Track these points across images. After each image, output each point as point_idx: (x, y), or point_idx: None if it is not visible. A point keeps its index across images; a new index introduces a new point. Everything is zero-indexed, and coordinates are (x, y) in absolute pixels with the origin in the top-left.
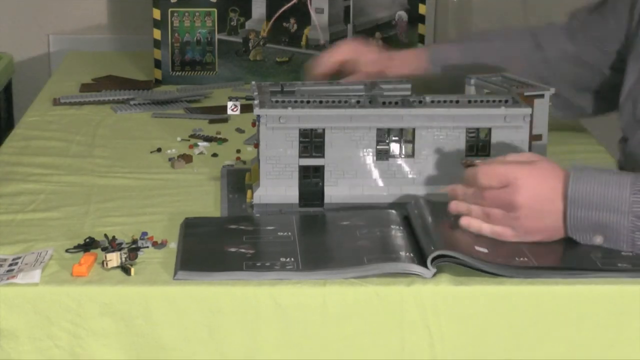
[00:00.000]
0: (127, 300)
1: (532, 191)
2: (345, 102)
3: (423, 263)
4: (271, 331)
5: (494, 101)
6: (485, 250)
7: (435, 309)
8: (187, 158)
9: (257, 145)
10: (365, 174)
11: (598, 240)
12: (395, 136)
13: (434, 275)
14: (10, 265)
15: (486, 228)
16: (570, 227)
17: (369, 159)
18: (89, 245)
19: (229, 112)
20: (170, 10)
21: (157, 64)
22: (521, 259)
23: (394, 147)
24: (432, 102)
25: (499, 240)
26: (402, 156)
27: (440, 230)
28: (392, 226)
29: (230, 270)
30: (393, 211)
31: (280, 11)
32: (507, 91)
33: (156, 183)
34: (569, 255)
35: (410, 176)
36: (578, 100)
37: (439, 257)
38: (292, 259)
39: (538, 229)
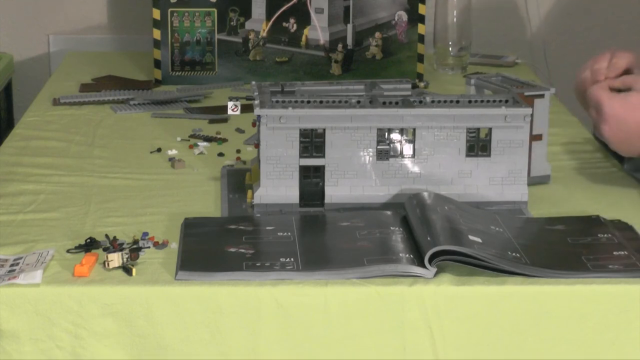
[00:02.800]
0: (129, 300)
1: (617, 126)
2: (346, 102)
3: (423, 264)
4: (273, 331)
5: (494, 101)
6: (479, 240)
7: (437, 309)
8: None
9: (257, 145)
10: (366, 174)
11: None
12: (395, 136)
13: (435, 275)
14: (12, 265)
15: None
16: None
17: (370, 159)
18: (90, 245)
19: (229, 112)
20: (170, 10)
21: (157, 64)
22: (514, 254)
23: (395, 147)
24: (433, 102)
25: (491, 233)
26: (403, 156)
27: (438, 220)
28: (391, 227)
29: (230, 271)
30: (393, 212)
31: (280, 11)
32: (508, 91)
33: (156, 183)
34: (560, 256)
35: (410, 176)
36: None
37: (436, 253)
38: (292, 259)
39: (620, 140)
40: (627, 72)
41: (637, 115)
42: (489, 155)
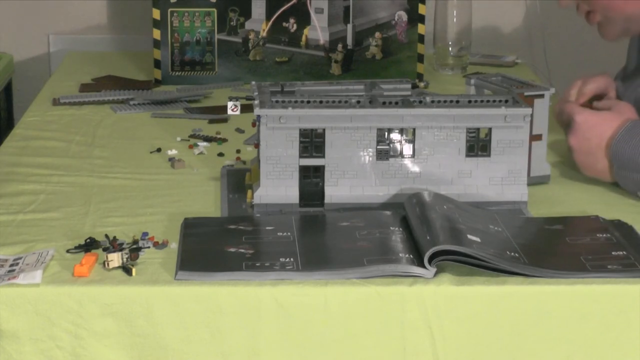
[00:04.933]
0: (129, 300)
1: (582, 135)
2: (346, 102)
3: (422, 264)
4: (273, 331)
5: (494, 101)
6: (478, 240)
7: (437, 309)
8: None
9: (257, 145)
10: (366, 174)
11: None
12: (395, 136)
13: (435, 275)
14: (11, 265)
15: None
16: (616, 176)
17: (369, 159)
18: (89, 245)
19: (229, 112)
20: (170, 10)
21: (157, 64)
22: (512, 254)
23: (394, 147)
24: (433, 102)
25: (490, 232)
26: (403, 156)
27: (438, 219)
28: (391, 227)
29: (230, 271)
30: (392, 212)
31: (280, 11)
32: (507, 91)
33: (156, 183)
34: (559, 256)
35: (410, 176)
36: None
37: (436, 253)
38: (292, 259)
39: (589, 167)
40: (598, 96)
41: (602, 129)
42: (488, 155)
